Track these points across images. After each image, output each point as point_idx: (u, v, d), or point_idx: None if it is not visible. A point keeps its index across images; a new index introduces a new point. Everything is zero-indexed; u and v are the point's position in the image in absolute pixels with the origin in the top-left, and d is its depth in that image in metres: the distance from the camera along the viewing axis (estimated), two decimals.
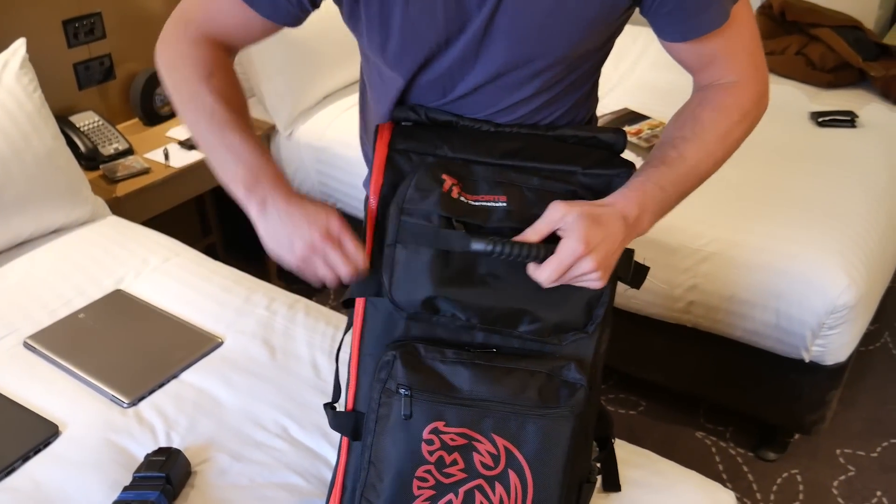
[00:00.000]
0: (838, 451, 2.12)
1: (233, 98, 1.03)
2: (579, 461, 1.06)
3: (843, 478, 2.05)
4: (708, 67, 1.02)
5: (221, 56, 1.06)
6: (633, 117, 2.39)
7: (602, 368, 1.10)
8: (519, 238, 0.93)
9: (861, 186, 2.05)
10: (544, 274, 0.92)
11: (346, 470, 1.11)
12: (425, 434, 0.99)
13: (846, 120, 2.39)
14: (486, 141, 1.04)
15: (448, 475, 1.00)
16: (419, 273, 0.97)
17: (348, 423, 1.08)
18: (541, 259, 0.92)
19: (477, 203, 0.98)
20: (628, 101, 2.55)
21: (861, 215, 1.94)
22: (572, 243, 0.90)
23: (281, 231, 0.95)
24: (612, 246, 0.92)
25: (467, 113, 1.06)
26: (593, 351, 1.03)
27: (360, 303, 1.07)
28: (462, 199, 0.98)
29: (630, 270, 1.05)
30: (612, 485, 1.23)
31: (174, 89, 1.05)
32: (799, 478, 2.05)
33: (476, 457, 0.99)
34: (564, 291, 0.99)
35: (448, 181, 0.98)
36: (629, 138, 2.27)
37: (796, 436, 2.14)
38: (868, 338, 2.50)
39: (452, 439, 0.99)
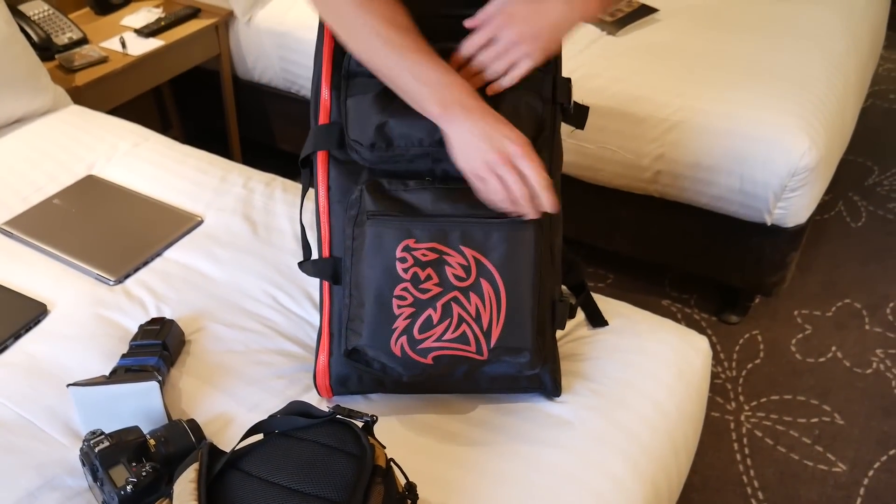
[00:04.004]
0: (796, 313, 2.23)
1: (396, 16, 1.03)
2: (547, 277, 1.12)
3: (800, 336, 2.16)
4: None
5: None
6: None
7: (559, 200, 1.15)
8: (469, 28, 1.05)
9: (820, 53, 2.09)
10: (471, 43, 1.03)
11: (331, 317, 1.16)
12: (398, 252, 1.04)
13: None
14: None
15: (424, 290, 1.05)
16: (367, 108, 1.07)
17: (327, 267, 1.14)
18: None
19: None
20: None
21: (821, 80, 1.99)
22: (495, 13, 1.01)
23: (467, 145, 1.01)
24: (543, 20, 1.01)
25: None
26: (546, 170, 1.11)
27: (322, 158, 1.14)
28: None
29: (570, 98, 1.15)
30: (599, 321, 1.30)
31: (335, 18, 1.04)
32: (759, 338, 2.15)
33: (448, 270, 1.05)
34: (498, 103, 1.07)
35: None
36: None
37: (757, 299, 2.24)
38: (823, 207, 2.60)
39: (424, 254, 1.04)
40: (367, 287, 1.07)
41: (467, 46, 1.06)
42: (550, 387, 1.16)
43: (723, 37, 2.17)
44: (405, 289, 1.05)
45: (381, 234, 1.05)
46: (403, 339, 1.06)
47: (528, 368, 1.10)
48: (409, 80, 1.02)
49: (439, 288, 1.05)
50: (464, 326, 1.05)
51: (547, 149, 1.12)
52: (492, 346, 1.06)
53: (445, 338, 1.06)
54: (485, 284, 1.05)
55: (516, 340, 1.07)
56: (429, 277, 1.04)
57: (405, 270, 1.04)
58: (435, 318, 1.05)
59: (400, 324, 1.05)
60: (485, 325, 1.05)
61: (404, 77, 1.02)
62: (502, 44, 1.03)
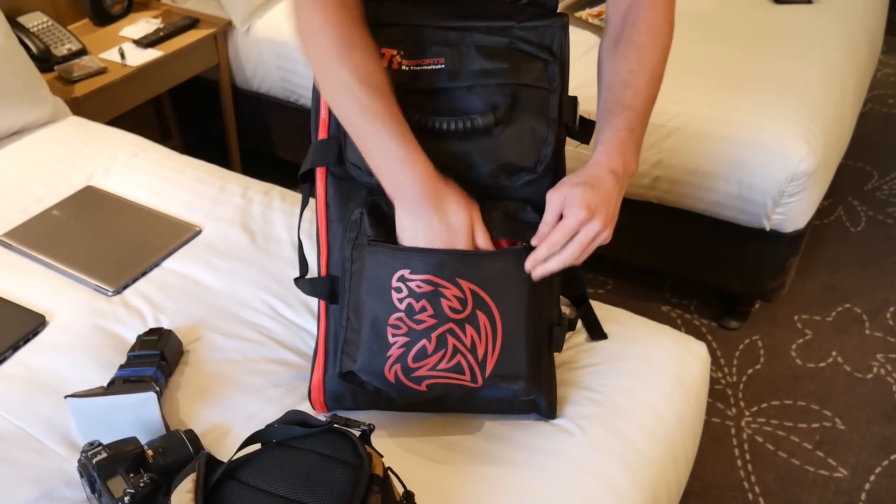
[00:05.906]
0: (796, 318, 2.23)
1: (373, 72, 1.01)
2: (545, 303, 1.12)
3: (800, 341, 2.16)
4: None
5: (355, 18, 1.02)
6: None
7: None
8: (537, 240, 1.03)
9: (818, 60, 2.10)
10: (553, 238, 1.00)
11: (327, 335, 1.16)
12: (393, 282, 1.02)
13: None
14: (423, 7, 1.09)
15: (419, 322, 1.02)
16: None
17: (324, 286, 1.14)
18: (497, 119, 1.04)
19: (418, 68, 1.06)
20: None
21: (819, 87, 1.99)
22: (576, 211, 0.98)
23: (408, 231, 1.02)
24: (611, 203, 1.01)
25: None
26: None
27: (320, 174, 1.13)
28: (403, 67, 1.05)
29: (576, 117, 1.12)
30: (599, 335, 1.29)
31: (315, 67, 1.03)
32: (760, 343, 2.15)
33: (444, 302, 1.02)
34: (503, 128, 1.05)
35: (387, 54, 1.06)
36: (590, 20, 2.28)
37: (757, 305, 2.23)
38: (822, 212, 2.60)
39: (418, 286, 1.01)
40: (364, 313, 1.05)
41: (543, 227, 1.02)
42: (545, 410, 1.16)
43: (720, 43, 2.17)
44: (399, 318, 1.02)
45: (377, 262, 1.03)
46: (398, 366, 1.04)
47: (523, 395, 1.09)
48: (372, 149, 1.01)
49: (434, 320, 1.02)
50: (458, 357, 1.03)
51: (550, 172, 1.08)
52: (486, 375, 1.04)
53: (440, 367, 1.04)
54: (481, 316, 1.02)
55: (511, 369, 1.05)
56: (423, 309, 1.02)
57: (400, 301, 1.02)
58: (430, 349, 1.03)
59: (394, 352, 1.03)
60: (480, 356, 1.03)
61: (369, 145, 1.01)
62: (590, 233, 0.99)
